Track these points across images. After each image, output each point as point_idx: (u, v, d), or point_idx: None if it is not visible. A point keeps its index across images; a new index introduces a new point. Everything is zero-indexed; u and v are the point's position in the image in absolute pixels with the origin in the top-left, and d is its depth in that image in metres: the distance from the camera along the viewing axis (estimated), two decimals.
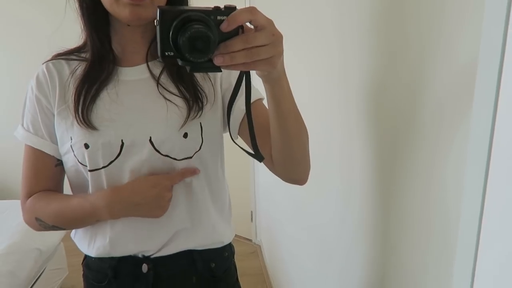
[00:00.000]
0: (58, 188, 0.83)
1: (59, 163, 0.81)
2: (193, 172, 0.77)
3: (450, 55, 0.54)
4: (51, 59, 0.81)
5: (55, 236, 2.07)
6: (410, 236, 0.66)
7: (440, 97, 0.57)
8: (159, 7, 0.50)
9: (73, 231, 0.87)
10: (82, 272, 0.91)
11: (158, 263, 0.81)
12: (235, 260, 0.99)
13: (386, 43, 0.73)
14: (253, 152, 0.68)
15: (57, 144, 0.79)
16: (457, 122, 0.53)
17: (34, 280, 1.90)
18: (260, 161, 0.70)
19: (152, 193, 0.72)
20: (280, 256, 2.14)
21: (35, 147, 0.79)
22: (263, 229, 2.76)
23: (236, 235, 3.06)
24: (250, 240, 2.98)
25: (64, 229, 0.82)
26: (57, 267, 2.20)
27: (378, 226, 0.80)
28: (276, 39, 0.52)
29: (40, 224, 0.80)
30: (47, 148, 0.79)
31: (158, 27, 0.51)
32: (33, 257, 1.82)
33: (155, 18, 0.51)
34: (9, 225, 1.94)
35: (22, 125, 0.80)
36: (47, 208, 0.78)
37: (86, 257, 0.87)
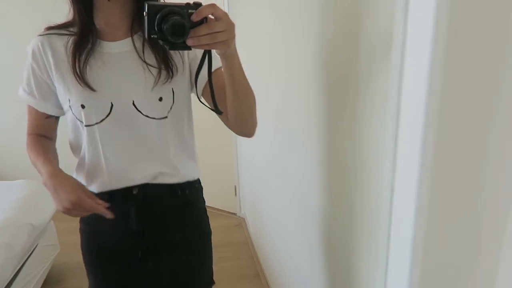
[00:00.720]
0: (49, 134, 1.04)
1: (49, 116, 1.00)
2: (103, 211, 0.87)
3: (374, 22, 0.67)
4: (44, 33, 0.95)
5: (46, 213, 2.16)
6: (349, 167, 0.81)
7: (367, 58, 0.72)
8: (146, 2, 0.69)
9: (73, 174, 1.02)
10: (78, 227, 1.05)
11: (145, 189, 0.99)
12: (222, 233, 1.14)
13: (333, 16, 0.87)
14: (213, 108, 0.88)
15: (49, 103, 0.98)
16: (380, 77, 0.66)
17: (29, 253, 1.99)
18: (219, 114, 0.91)
19: (67, 197, 0.83)
20: (263, 226, 2.27)
21: (29, 104, 0.99)
22: (247, 203, 2.89)
23: (221, 209, 3.20)
24: (235, 214, 3.10)
25: None
26: (49, 244, 2.29)
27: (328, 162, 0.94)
28: (230, 27, 0.71)
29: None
30: (38, 106, 0.98)
31: (146, 17, 0.69)
32: (26, 231, 1.90)
33: (143, 6, 0.69)
34: (2, 202, 2.01)
35: (24, 86, 0.98)
36: (29, 153, 0.98)
37: None
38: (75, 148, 1.02)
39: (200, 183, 1.12)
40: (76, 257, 2.56)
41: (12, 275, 1.78)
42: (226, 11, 2.61)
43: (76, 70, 0.89)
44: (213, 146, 2.87)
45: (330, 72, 0.95)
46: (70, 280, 2.39)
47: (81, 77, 0.89)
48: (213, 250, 1.17)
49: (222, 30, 0.70)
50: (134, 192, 0.98)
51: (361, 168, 0.81)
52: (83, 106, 0.91)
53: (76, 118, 0.94)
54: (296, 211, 1.45)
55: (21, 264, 1.89)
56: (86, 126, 0.93)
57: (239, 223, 2.99)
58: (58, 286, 2.34)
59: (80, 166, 1.01)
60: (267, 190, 2.03)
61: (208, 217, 1.14)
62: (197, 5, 0.70)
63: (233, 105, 0.89)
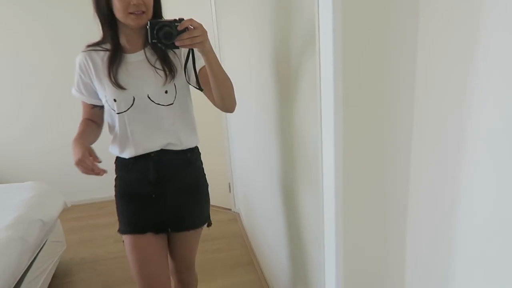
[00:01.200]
0: (95, 119, 1.45)
1: (94, 106, 1.42)
2: (97, 172, 1.23)
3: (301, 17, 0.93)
4: (86, 50, 1.36)
5: (54, 210, 2.33)
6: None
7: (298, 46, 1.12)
8: (149, 21, 1.13)
9: (110, 146, 1.44)
10: (114, 168, 1.47)
11: (159, 152, 1.39)
12: (218, 227, 1.49)
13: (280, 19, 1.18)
14: (197, 87, 1.35)
15: (93, 98, 1.39)
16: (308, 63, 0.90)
17: (39, 248, 2.16)
18: (201, 91, 1.35)
19: (77, 155, 1.22)
20: (254, 216, 2.46)
21: (81, 99, 1.42)
22: (240, 198, 3.07)
23: (216, 206, 3.39)
24: (230, 209, 3.29)
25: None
26: (57, 240, 2.46)
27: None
28: (203, 33, 1.10)
29: None
30: (85, 99, 1.41)
31: (149, 29, 1.12)
32: (37, 226, 2.08)
33: (147, 24, 1.13)
34: (14, 202, 2.18)
35: (75, 86, 1.40)
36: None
37: (118, 158, 1.45)
38: (111, 128, 1.43)
39: (198, 149, 1.51)
40: (80, 253, 2.78)
41: (26, 266, 1.95)
42: (214, 21, 2.82)
43: (110, 76, 1.30)
44: (208, 147, 3.05)
45: (280, 72, 1.38)
46: (76, 274, 2.57)
47: (114, 81, 1.30)
48: (209, 198, 1.55)
49: (198, 35, 1.09)
50: (152, 155, 1.39)
51: (301, 138, 1.21)
52: (115, 100, 1.33)
53: (111, 108, 1.35)
54: (268, 186, 1.71)
55: (33, 257, 2.06)
56: (117, 113, 1.34)
57: (234, 218, 3.18)
58: (66, 279, 2.51)
59: (114, 139, 1.41)
60: (254, 180, 2.23)
61: (204, 173, 1.53)
62: (181, 20, 1.12)
63: (215, 88, 1.26)
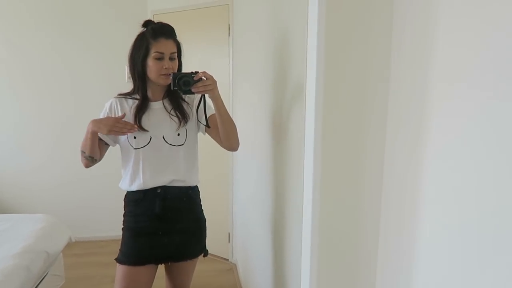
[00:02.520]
0: (101, 150, 1.63)
1: (104, 144, 1.64)
2: (131, 128, 1.54)
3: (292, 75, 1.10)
4: (117, 97, 1.66)
5: (59, 243, 2.44)
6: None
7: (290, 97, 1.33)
8: (172, 73, 1.48)
9: (120, 181, 1.67)
10: (123, 204, 1.69)
11: (165, 189, 1.62)
12: (214, 276, 2.12)
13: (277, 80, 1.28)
14: (206, 124, 1.62)
15: (110, 137, 1.61)
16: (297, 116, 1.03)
17: (41, 279, 2.24)
18: (208, 128, 1.62)
19: (107, 121, 1.53)
20: (251, 270, 2.52)
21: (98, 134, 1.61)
22: (239, 249, 3.13)
23: (214, 255, 3.46)
24: (227, 260, 3.33)
25: (92, 157, 1.60)
26: (57, 274, 2.54)
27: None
28: (213, 82, 1.45)
29: (82, 154, 1.60)
30: (102, 136, 1.61)
31: (172, 79, 1.47)
32: (42, 258, 2.17)
33: (170, 75, 1.50)
34: (22, 232, 2.30)
35: None
36: (81, 147, 1.60)
37: (127, 195, 1.67)
38: (124, 164, 1.65)
39: (198, 187, 1.74)
40: None
41: None
42: (231, 88, 3.10)
43: (136, 120, 1.57)
44: (211, 197, 3.17)
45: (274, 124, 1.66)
46: None
47: (139, 124, 1.57)
48: (206, 230, 1.76)
49: (209, 84, 1.44)
50: (158, 191, 1.61)
51: (289, 190, 1.35)
52: (135, 137, 1.60)
53: (129, 144, 1.61)
54: (262, 235, 1.78)
55: (34, 287, 2.14)
56: (135, 149, 1.60)
57: (231, 268, 3.21)
58: None
59: (126, 174, 1.64)
60: (252, 230, 2.32)
61: (202, 209, 1.74)
62: (196, 72, 1.46)
63: (222, 128, 1.57)
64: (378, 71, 0.99)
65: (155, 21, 1.59)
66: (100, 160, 1.65)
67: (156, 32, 1.53)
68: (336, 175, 1.02)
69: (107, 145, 1.67)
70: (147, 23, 1.58)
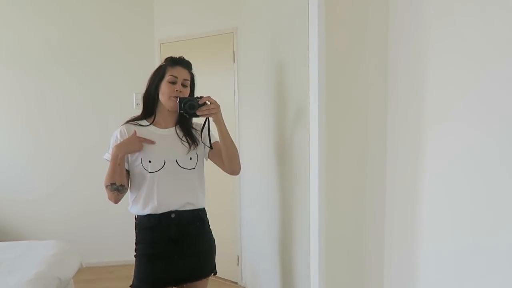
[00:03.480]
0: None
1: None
2: (148, 141, 1.66)
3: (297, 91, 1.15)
4: (126, 123, 1.72)
5: (71, 270, 2.46)
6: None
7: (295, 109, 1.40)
8: (179, 97, 1.61)
9: (129, 205, 1.72)
10: (135, 232, 1.73)
11: (178, 213, 1.68)
12: None
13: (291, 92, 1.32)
14: (210, 146, 1.74)
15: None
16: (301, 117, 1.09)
17: None
18: (211, 149, 1.73)
19: (129, 140, 1.63)
20: None
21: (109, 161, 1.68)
22: (248, 271, 3.13)
23: (223, 278, 3.45)
24: (236, 283, 3.32)
25: (122, 186, 1.64)
26: None
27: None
28: (217, 106, 1.59)
29: (108, 187, 1.63)
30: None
31: (178, 103, 1.60)
32: (55, 284, 2.19)
33: (177, 99, 1.62)
34: (35, 258, 2.33)
35: (108, 151, 1.68)
36: (105, 180, 1.64)
37: (140, 222, 1.71)
38: (136, 188, 1.69)
39: (205, 209, 1.80)
40: None
41: None
42: (236, 108, 3.15)
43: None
44: (219, 219, 3.20)
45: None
46: None
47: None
48: (215, 267, 1.83)
49: (213, 108, 1.56)
50: (172, 216, 1.68)
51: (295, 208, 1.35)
52: (150, 161, 1.66)
53: (144, 168, 1.66)
54: (270, 257, 1.80)
55: None
56: (150, 172, 1.66)
57: None
58: None
59: (138, 198, 1.69)
60: (261, 252, 2.34)
61: (210, 228, 1.81)
62: (202, 97, 1.58)
63: (224, 153, 1.68)
64: (377, 97, 1.05)
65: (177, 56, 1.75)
66: (127, 187, 1.69)
67: (174, 61, 1.70)
68: (341, 191, 1.07)
69: (127, 171, 1.70)
70: (169, 57, 1.74)
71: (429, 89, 0.87)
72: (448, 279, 0.83)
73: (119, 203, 1.68)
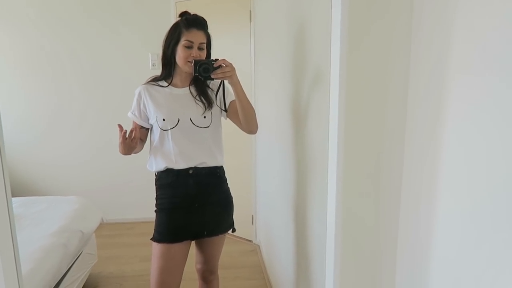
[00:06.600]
0: (141, 136, 1.75)
1: (142, 127, 1.76)
2: (133, 132, 1.61)
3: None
4: (146, 83, 1.77)
5: (92, 223, 2.57)
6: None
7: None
8: (194, 59, 1.59)
9: (148, 163, 1.78)
10: (154, 187, 1.80)
11: (196, 170, 1.73)
12: (238, 257, 2.18)
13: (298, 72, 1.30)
14: (224, 109, 1.78)
15: (143, 120, 1.75)
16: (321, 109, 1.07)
17: (76, 257, 2.38)
18: (226, 112, 1.77)
19: (122, 146, 1.62)
20: (274, 251, 2.60)
21: (134, 120, 1.76)
22: (262, 231, 3.22)
23: (238, 236, 3.56)
24: (251, 241, 3.43)
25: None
26: (90, 253, 2.68)
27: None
28: (232, 69, 1.56)
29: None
30: (137, 121, 1.76)
31: (193, 66, 1.57)
32: (78, 237, 2.31)
33: (191, 62, 1.61)
34: (58, 212, 2.44)
35: (132, 111, 1.77)
36: None
37: (159, 179, 1.77)
38: (154, 143, 1.75)
39: (223, 168, 1.84)
40: (108, 268, 2.98)
41: (65, 271, 2.17)
42: (252, 74, 3.13)
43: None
44: (235, 180, 3.26)
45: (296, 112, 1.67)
46: (103, 287, 2.76)
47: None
48: (233, 224, 1.89)
49: (228, 70, 1.54)
50: (190, 172, 1.72)
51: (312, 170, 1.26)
52: (164, 120, 1.70)
53: (159, 126, 1.71)
54: (284, 217, 1.85)
55: (71, 264, 2.28)
56: (163, 130, 1.71)
57: (254, 249, 3.31)
58: None
59: (156, 155, 1.75)
60: (275, 212, 2.39)
61: (229, 187, 1.86)
62: (216, 60, 1.56)
63: (241, 112, 1.68)
64: (398, 61, 1.03)
65: (191, 13, 1.71)
66: (145, 142, 1.80)
67: (189, 22, 1.65)
68: (359, 157, 1.07)
69: (146, 129, 1.78)
70: (183, 14, 1.71)
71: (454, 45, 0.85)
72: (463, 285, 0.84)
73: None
